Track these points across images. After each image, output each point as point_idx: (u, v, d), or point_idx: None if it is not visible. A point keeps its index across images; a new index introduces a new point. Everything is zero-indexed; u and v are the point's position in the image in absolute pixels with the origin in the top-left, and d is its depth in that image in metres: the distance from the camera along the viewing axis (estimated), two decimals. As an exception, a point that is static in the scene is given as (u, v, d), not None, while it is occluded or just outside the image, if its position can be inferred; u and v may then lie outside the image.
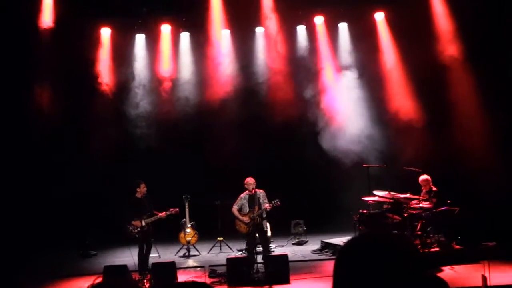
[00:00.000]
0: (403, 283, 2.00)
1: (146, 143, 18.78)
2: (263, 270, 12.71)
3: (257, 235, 13.87)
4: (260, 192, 13.79)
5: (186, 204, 16.18)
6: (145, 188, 13.97)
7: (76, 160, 18.25)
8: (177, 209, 14.26)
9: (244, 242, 14.34)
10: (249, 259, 13.12)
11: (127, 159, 18.65)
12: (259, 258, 13.22)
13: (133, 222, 13.63)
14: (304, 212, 17.96)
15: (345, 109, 18.53)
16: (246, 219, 13.64)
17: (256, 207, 13.60)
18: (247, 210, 13.71)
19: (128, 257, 13.95)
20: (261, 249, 14.25)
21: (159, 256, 15.91)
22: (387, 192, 14.16)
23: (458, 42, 17.36)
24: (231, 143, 18.32)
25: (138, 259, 13.69)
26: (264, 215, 13.80)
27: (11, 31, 16.94)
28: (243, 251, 15.13)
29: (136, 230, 13.63)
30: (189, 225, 16.37)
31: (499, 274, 11.25)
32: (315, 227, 17.90)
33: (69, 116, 18.23)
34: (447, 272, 12.42)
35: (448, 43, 17.48)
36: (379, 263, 2.02)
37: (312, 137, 18.47)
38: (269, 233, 15.80)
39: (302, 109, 18.67)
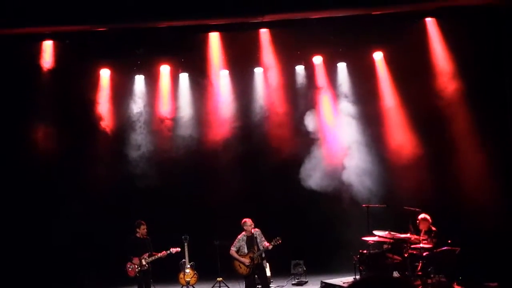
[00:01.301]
0: None
1: (146, 183, 18.74)
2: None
3: (256, 276, 13.75)
4: (256, 231, 13.80)
5: (186, 244, 16.01)
6: (145, 230, 13.99)
7: (74, 200, 18.23)
8: (178, 249, 14.26)
9: (243, 284, 14.19)
10: None
11: (126, 199, 18.65)
12: None
13: (134, 261, 13.67)
14: (304, 252, 17.88)
15: (344, 147, 18.65)
16: (246, 260, 13.58)
17: (255, 247, 13.55)
18: (246, 252, 13.66)
19: None
20: None
21: None
22: (387, 232, 14.12)
23: (457, 80, 17.48)
24: (230, 182, 18.45)
25: None
26: (263, 255, 13.74)
27: (11, 71, 17.10)
28: None
29: (137, 269, 13.59)
30: (189, 266, 16.16)
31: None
32: (315, 267, 17.79)
33: (68, 155, 18.29)
34: (449, 313, 12.32)
35: (447, 81, 17.59)
36: None
37: (312, 175, 18.46)
38: (268, 273, 15.69)
39: (301, 147, 18.74)
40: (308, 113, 19.02)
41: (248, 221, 13.71)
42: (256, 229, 13.77)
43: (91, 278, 17.28)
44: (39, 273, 16.87)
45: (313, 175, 18.47)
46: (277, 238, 13.47)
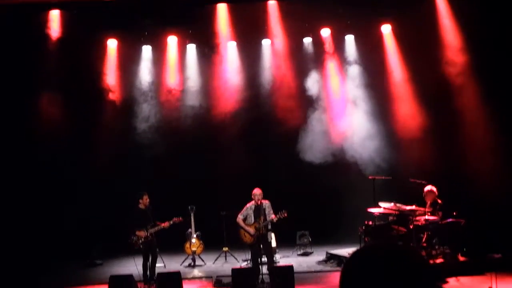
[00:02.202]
0: None
1: (153, 154, 18.78)
2: (268, 281, 12.67)
3: (261, 246, 13.82)
4: (266, 203, 13.77)
5: (192, 214, 16.19)
6: (148, 200, 14.00)
7: (82, 171, 18.34)
8: (180, 218, 14.27)
9: (249, 252, 14.32)
10: (254, 270, 13.11)
11: (133, 169, 18.70)
12: (264, 269, 13.16)
13: (137, 233, 13.67)
14: (309, 223, 17.99)
15: (351, 120, 18.65)
16: (251, 229, 13.61)
17: (262, 218, 13.58)
18: (252, 221, 13.69)
19: (133, 266, 14.00)
20: (265, 259, 14.26)
21: (165, 266, 15.96)
22: (392, 204, 14.13)
23: (465, 53, 17.40)
24: (237, 153, 18.46)
25: (143, 269, 13.72)
26: (269, 226, 13.81)
27: (19, 40, 17.06)
28: (248, 261, 15.10)
29: (140, 241, 13.66)
30: (195, 235, 16.38)
31: (505, 286, 11.22)
32: (321, 238, 17.91)
33: (75, 125, 18.35)
34: (453, 284, 12.41)
35: (455, 55, 17.50)
36: (387, 275, 1.99)
37: (319, 146, 18.50)
38: (274, 244, 15.80)
39: (308, 118, 18.78)
40: (315, 84, 19.02)
41: (257, 191, 13.70)
42: (266, 201, 13.75)
43: (99, 250, 17.49)
44: (48, 246, 16.96)
45: (320, 146, 18.49)
46: (283, 211, 13.43)
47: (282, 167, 18.72)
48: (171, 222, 14.01)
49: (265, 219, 13.58)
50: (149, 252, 13.79)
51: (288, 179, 18.71)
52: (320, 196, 18.84)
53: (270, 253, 14.07)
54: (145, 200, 13.96)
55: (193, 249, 16.34)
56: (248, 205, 13.85)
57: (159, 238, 14.11)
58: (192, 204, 16.31)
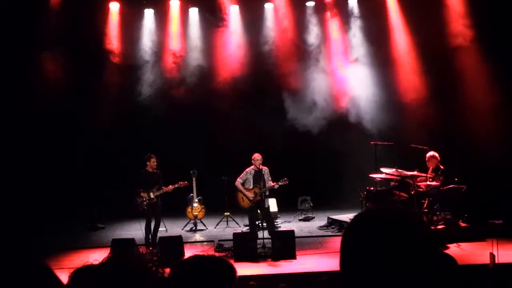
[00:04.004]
0: (413, 258, 1.93)
1: (154, 119, 18.73)
2: (269, 245, 12.63)
3: (258, 211, 13.76)
4: (265, 169, 13.66)
5: (194, 179, 16.08)
6: (155, 163, 13.90)
7: (85, 132, 18.28)
8: (185, 182, 14.22)
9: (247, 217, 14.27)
10: (252, 233, 13.09)
11: (135, 134, 18.66)
12: (266, 234, 13.12)
13: (142, 194, 13.61)
14: (311, 189, 17.99)
15: (353, 83, 18.59)
16: (250, 194, 13.51)
17: (261, 184, 13.49)
18: (251, 186, 13.57)
19: (137, 230, 13.94)
20: (264, 225, 14.20)
21: (166, 230, 15.94)
22: (394, 170, 14.05)
23: (469, 20, 17.23)
24: (239, 118, 18.46)
25: (145, 232, 13.68)
26: (267, 193, 13.70)
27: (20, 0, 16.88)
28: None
29: (145, 202, 13.59)
30: (196, 200, 16.33)
31: (506, 252, 11.15)
32: (322, 204, 17.95)
33: (77, 86, 18.12)
34: (453, 250, 12.35)
35: (458, 21, 17.32)
36: (388, 239, 1.95)
37: (319, 109, 18.49)
38: (275, 209, 15.79)
39: (309, 82, 18.67)
40: (317, 47, 18.89)
41: (257, 156, 13.57)
42: (265, 167, 13.70)
43: (101, 213, 17.50)
44: (49, 209, 16.95)
45: (321, 110, 18.48)
46: (284, 178, 13.33)
47: (283, 132, 18.58)
48: (176, 186, 13.95)
49: (264, 185, 13.47)
50: (152, 216, 13.72)
51: (290, 144, 18.66)
52: (322, 161, 18.82)
53: (269, 218, 13.99)
54: (152, 163, 13.84)
55: (195, 213, 16.30)
56: (248, 169, 13.72)
57: (162, 202, 14.02)
58: (194, 168, 16.17)
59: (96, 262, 2.26)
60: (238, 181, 13.72)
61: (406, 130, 17.32)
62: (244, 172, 13.73)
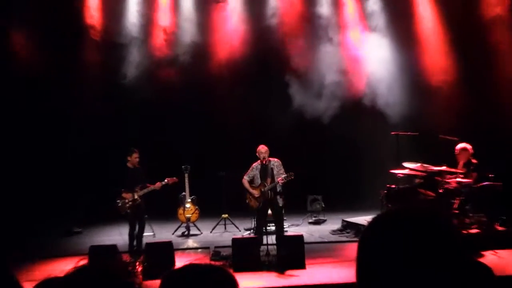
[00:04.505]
0: (442, 268, 1.93)
1: (140, 105, 18.69)
2: (274, 253, 12.60)
3: (269, 211, 13.73)
4: (275, 162, 13.57)
5: (186, 175, 16.09)
6: (138, 158, 13.84)
7: (59, 121, 18.26)
8: (175, 178, 14.19)
9: (254, 219, 14.27)
10: (257, 240, 13.00)
11: (118, 123, 18.63)
12: (271, 239, 13.09)
13: (124, 195, 13.53)
14: (322, 187, 18.02)
15: (372, 69, 18.54)
16: (256, 192, 13.49)
17: (269, 180, 13.43)
18: (259, 182, 13.57)
19: (118, 235, 13.84)
20: (273, 228, 14.16)
21: (154, 235, 15.92)
22: (419, 165, 13.93)
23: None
24: (238, 104, 18.41)
25: (129, 238, 13.59)
26: (279, 189, 13.63)
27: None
28: (252, 230, 15.07)
29: (127, 204, 13.54)
30: (189, 200, 16.33)
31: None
32: (335, 204, 17.97)
33: (51, 68, 17.95)
34: (489, 258, 12.26)
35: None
36: (413, 245, 1.94)
37: (332, 93, 18.45)
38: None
39: (320, 61, 18.60)
40: (329, 21, 18.87)
41: (262, 148, 13.48)
42: (275, 159, 13.54)
43: (78, 217, 17.51)
44: (19, 211, 16.91)
45: (333, 94, 18.44)
46: (290, 173, 13.25)
47: (289, 119, 18.58)
48: (163, 183, 13.89)
49: (272, 180, 13.43)
50: (137, 219, 13.68)
51: (297, 134, 18.76)
52: (334, 155, 18.87)
53: (280, 220, 13.95)
54: (134, 159, 13.75)
55: (187, 215, 16.29)
56: (254, 164, 13.70)
57: (148, 202, 13.99)
58: (186, 163, 16.17)
59: (63, 274, 2.22)
60: (245, 179, 13.75)
61: (433, 118, 17.25)
62: (250, 168, 13.75)
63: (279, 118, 18.41)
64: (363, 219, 15.84)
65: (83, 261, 2.25)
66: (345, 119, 18.34)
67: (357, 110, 18.32)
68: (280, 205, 13.63)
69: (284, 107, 18.58)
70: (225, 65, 18.72)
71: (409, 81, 18.21)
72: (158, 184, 13.80)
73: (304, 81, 18.58)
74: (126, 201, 13.55)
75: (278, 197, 13.58)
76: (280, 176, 13.33)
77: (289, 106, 18.59)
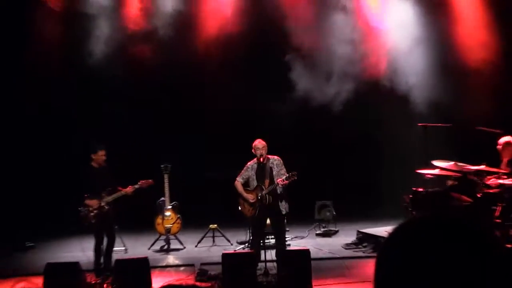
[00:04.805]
0: None
1: (110, 90, 18.66)
2: (274, 271, 12.53)
3: (268, 220, 13.56)
4: (274, 160, 13.52)
5: (166, 176, 16.05)
6: (104, 156, 13.69)
7: (10, 110, 18.29)
8: (150, 181, 14.08)
9: (249, 231, 14.16)
10: (253, 256, 12.83)
11: (82, 111, 18.63)
12: (270, 255, 13.06)
13: (87, 202, 13.39)
14: (333, 190, 18.07)
15: (393, 43, 18.47)
16: (250, 197, 13.37)
17: (267, 181, 13.32)
18: (255, 185, 13.43)
19: (80, 251, 13.98)
20: (272, 241, 14.15)
21: (126, 250, 15.92)
22: (452, 163, 13.77)
23: None
24: (231, 90, 18.35)
25: (95, 254, 13.47)
26: (280, 191, 13.49)
27: None
28: (246, 244, 15.04)
29: (92, 213, 13.36)
30: (169, 207, 16.32)
31: None
32: (349, 212, 18.06)
33: (3, 41, 18.06)
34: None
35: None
36: (444, 263, 1.89)
37: (345, 75, 18.39)
38: (283, 219, 15.64)
39: (329, 41, 18.47)
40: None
41: (259, 144, 13.36)
42: (275, 157, 13.56)
43: (31, 229, 17.40)
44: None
45: (346, 75, 18.32)
46: (293, 172, 13.14)
47: (291, 108, 18.49)
48: (136, 187, 13.78)
49: (271, 182, 13.27)
50: (104, 231, 13.58)
51: (301, 126, 18.95)
52: (348, 151, 18.96)
53: (282, 231, 13.88)
54: (100, 157, 13.67)
55: (167, 226, 16.23)
56: (249, 163, 13.63)
57: (118, 210, 13.88)
58: (166, 161, 16.09)
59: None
60: (238, 181, 13.69)
61: (470, 106, 17.17)
62: (245, 168, 13.69)
63: (279, 106, 18.36)
64: (383, 230, 15.84)
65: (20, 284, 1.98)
66: (360, 106, 18.39)
67: (375, 95, 18.33)
68: (283, 213, 13.48)
69: (285, 93, 18.54)
70: (214, 41, 18.67)
71: (440, 59, 18.13)
72: (130, 188, 13.70)
73: (309, 60, 18.50)
74: (91, 209, 13.40)
75: (278, 202, 13.42)
76: (281, 177, 13.15)
77: (291, 91, 18.51)
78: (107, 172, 13.67)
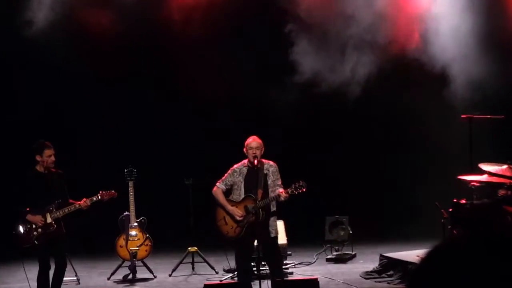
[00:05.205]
0: None
1: (57, 71, 18.58)
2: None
3: (254, 243, 13.42)
4: (270, 166, 13.31)
5: (131, 184, 15.84)
6: (53, 157, 13.42)
7: None
8: (113, 192, 13.86)
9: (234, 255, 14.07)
10: (244, 287, 12.84)
11: (20, 98, 18.53)
12: (266, 286, 12.84)
13: (29, 218, 13.11)
14: (348, 203, 18.02)
15: (427, 8, 18.33)
16: (238, 211, 13.10)
17: (260, 192, 13.05)
18: (242, 196, 13.15)
19: (23, 281, 13.78)
20: (267, 269, 13.87)
21: (78, 280, 15.70)
22: (505, 167, 13.71)
23: None
24: (215, 73, 18.30)
25: (38, 285, 13.28)
26: (274, 209, 13.30)
27: None
28: (235, 272, 14.67)
29: (35, 233, 13.11)
30: (135, 224, 16.07)
31: None
32: (368, 230, 17.98)
33: None
34: None
35: None
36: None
37: (360, 58, 18.30)
38: (283, 240, 15.52)
39: (342, 8, 18.33)
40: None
41: (253, 142, 13.16)
42: (271, 162, 13.39)
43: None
44: None
45: (363, 54, 18.20)
46: (299, 183, 12.91)
47: (293, 96, 18.30)
48: (95, 199, 13.56)
49: (265, 194, 13.00)
50: (51, 255, 13.34)
51: (306, 120, 18.90)
52: (368, 152, 18.89)
53: (277, 257, 13.74)
54: (47, 158, 13.37)
55: (132, 249, 15.96)
56: (235, 166, 13.41)
57: (69, 229, 13.67)
58: (131, 165, 15.88)
59: None
60: (218, 187, 13.38)
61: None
62: (229, 172, 13.43)
63: (277, 95, 18.27)
64: (414, 254, 15.50)
65: None
66: (383, 93, 18.32)
67: (403, 79, 18.36)
68: (272, 235, 13.20)
69: (285, 78, 18.45)
70: (193, 7, 18.54)
71: (486, 34, 18.00)
72: (84, 202, 13.38)
73: (317, 34, 18.40)
74: (34, 227, 13.12)
75: (272, 220, 13.16)
76: (280, 189, 12.90)
77: (292, 75, 18.39)
78: (58, 179, 13.42)
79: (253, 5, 18.76)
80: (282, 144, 15.29)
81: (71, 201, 13.39)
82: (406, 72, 18.14)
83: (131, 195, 15.78)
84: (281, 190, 12.96)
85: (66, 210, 13.26)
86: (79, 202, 13.39)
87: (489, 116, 15.41)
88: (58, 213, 13.19)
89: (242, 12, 18.65)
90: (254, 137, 13.21)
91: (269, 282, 12.94)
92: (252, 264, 13.91)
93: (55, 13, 18.41)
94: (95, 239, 16.61)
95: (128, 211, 15.89)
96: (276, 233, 13.29)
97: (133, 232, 15.90)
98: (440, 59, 17.82)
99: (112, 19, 18.59)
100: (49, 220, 13.16)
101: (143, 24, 18.67)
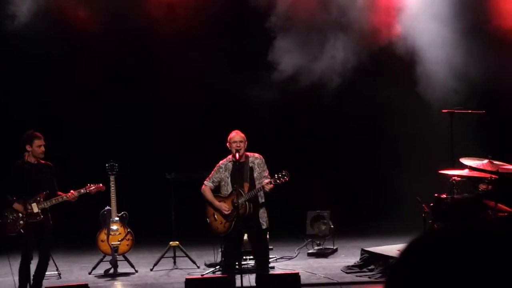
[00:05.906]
0: None
1: (41, 65, 18.53)
2: (254, 302, 12.40)
3: (245, 237, 13.38)
4: (255, 159, 13.44)
5: (112, 179, 15.77)
6: (43, 148, 13.40)
7: None
8: (101, 185, 13.99)
9: (220, 249, 14.08)
10: (225, 281, 12.77)
11: (8, 95, 18.66)
12: (248, 280, 12.94)
13: (15, 206, 13.13)
14: (330, 197, 18.02)
15: (412, 6, 18.22)
16: (225, 207, 13.17)
17: (246, 185, 13.15)
18: (229, 191, 13.21)
19: (7, 274, 13.80)
20: (252, 263, 14.12)
21: (59, 274, 15.59)
22: (486, 161, 13.73)
23: None
24: (197, 68, 18.26)
25: (20, 277, 13.24)
26: (262, 200, 13.38)
27: None
28: (218, 266, 14.93)
29: (21, 221, 13.12)
30: (117, 219, 16.01)
31: None
32: (350, 225, 18.11)
33: None
34: None
35: None
36: (476, 282, 1.89)
37: (341, 49, 18.18)
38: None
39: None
40: None
41: (235, 136, 13.25)
42: (256, 154, 13.54)
43: None
44: None
45: (345, 46, 18.07)
46: (282, 173, 13.09)
47: (274, 91, 18.32)
48: (82, 192, 13.60)
49: (252, 186, 13.08)
50: (35, 246, 13.38)
51: (287, 114, 18.99)
52: (349, 145, 19.03)
53: (263, 252, 13.85)
54: (36, 148, 13.38)
55: (114, 243, 15.93)
56: (221, 162, 13.56)
57: (55, 221, 13.69)
58: (112, 159, 15.84)
59: None
60: (206, 186, 13.54)
61: (510, 87, 17.12)
62: (216, 169, 13.54)
63: (257, 90, 18.25)
64: (394, 248, 15.57)
65: None
66: (364, 85, 18.34)
67: (384, 70, 18.43)
68: (264, 227, 13.34)
69: (266, 72, 18.40)
70: (171, 3, 18.62)
71: (469, 25, 17.98)
72: (71, 194, 13.38)
73: (299, 27, 18.37)
74: (20, 215, 13.12)
75: (259, 214, 13.22)
76: (266, 179, 12.95)
77: (273, 69, 18.34)
78: (46, 170, 13.43)
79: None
80: (264, 137, 15.30)
81: (59, 193, 13.39)
82: (387, 62, 18.18)
83: (112, 189, 15.73)
84: (266, 181, 13.05)
85: (54, 201, 13.29)
86: (66, 194, 13.42)
87: (470, 111, 15.40)
88: (45, 204, 13.20)
89: (221, 5, 18.66)
90: (237, 131, 13.32)
91: (251, 276, 12.97)
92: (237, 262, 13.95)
93: (38, 7, 18.41)
94: (76, 233, 16.52)
95: (110, 205, 15.83)
96: (267, 224, 13.41)
97: (114, 227, 15.85)
98: (421, 57, 17.85)
99: (95, 9, 18.63)
100: (35, 210, 13.15)
101: (130, 15, 18.68)
